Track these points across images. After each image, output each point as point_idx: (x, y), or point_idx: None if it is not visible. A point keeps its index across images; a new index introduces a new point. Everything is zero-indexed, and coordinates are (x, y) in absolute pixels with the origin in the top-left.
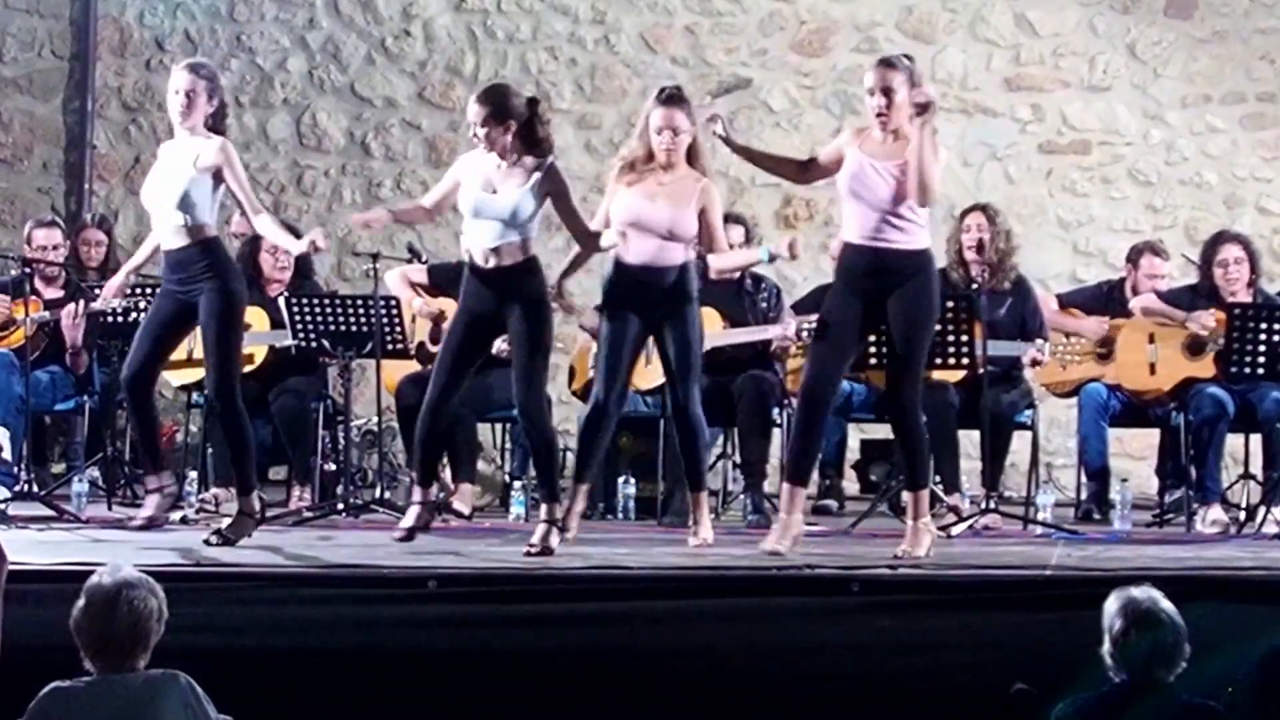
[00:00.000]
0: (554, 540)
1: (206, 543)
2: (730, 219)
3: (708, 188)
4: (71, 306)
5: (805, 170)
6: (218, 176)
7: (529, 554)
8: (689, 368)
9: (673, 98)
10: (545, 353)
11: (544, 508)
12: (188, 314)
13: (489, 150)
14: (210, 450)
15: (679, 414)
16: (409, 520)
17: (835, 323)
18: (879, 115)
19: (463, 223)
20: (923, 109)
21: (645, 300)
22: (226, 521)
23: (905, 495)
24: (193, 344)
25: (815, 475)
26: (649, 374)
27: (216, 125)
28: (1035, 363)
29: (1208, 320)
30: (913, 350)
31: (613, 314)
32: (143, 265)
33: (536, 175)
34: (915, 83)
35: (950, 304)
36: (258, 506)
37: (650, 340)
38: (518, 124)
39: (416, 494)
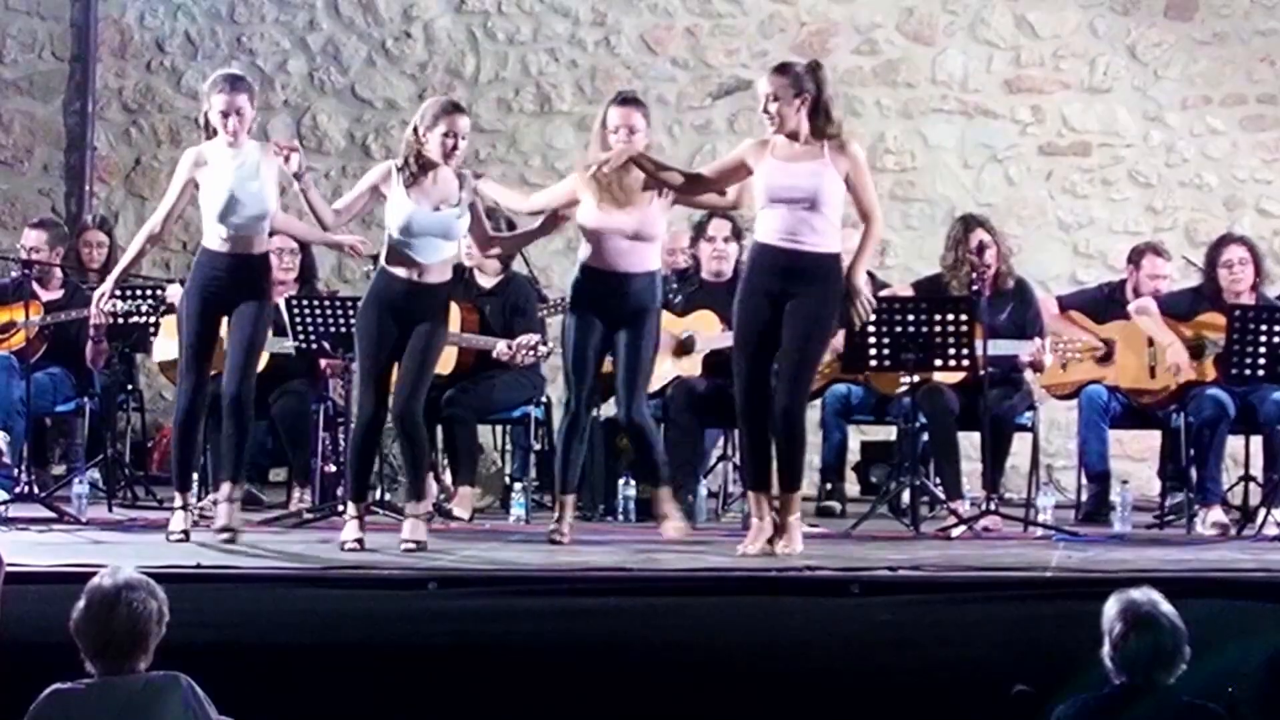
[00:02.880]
0: (423, 533)
1: (222, 538)
2: (716, 213)
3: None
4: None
5: (702, 181)
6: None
7: (406, 550)
8: (638, 376)
9: (629, 99)
10: (433, 367)
11: (411, 505)
12: (220, 316)
13: (451, 163)
14: (209, 453)
15: (628, 421)
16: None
17: (754, 330)
18: (767, 119)
19: (388, 236)
20: None
21: (610, 305)
22: (221, 518)
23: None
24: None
25: (816, 477)
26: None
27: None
28: (1035, 367)
29: (1184, 362)
30: (810, 353)
31: (579, 318)
32: (131, 268)
33: (465, 188)
34: (804, 87)
35: (950, 306)
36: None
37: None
38: None
39: (352, 509)
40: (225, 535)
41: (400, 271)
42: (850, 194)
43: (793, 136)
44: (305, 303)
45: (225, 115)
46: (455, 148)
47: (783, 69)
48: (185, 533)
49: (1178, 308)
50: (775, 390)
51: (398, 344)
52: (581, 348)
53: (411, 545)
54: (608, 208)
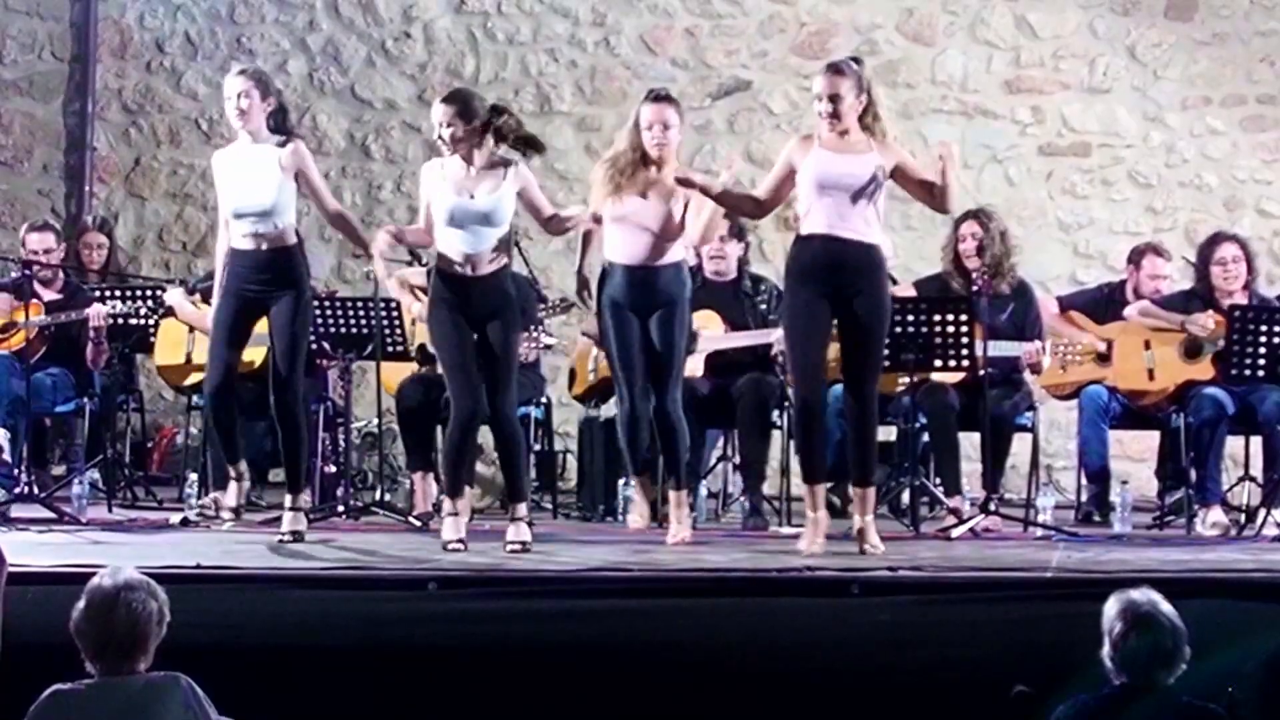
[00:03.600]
0: (527, 535)
1: (282, 542)
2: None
3: None
4: (98, 307)
5: (761, 205)
6: (298, 178)
7: (511, 552)
8: (672, 369)
9: (663, 96)
10: (517, 359)
11: (513, 506)
12: (255, 315)
13: (453, 152)
14: (209, 454)
15: (659, 414)
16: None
17: (810, 323)
18: (829, 119)
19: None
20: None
21: (640, 298)
22: (286, 523)
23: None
24: (191, 347)
25: None
26: None
27: (281, 125)
28: (1034, 368)
29: (1206, 321)
30: (879, 346)
31: (614, 315)
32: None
33: (510, 174)
34: (863, 87)
35: (950, 306)
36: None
37: None
38: (482, 125)
39: (449, 505)
40: (289, 538)
41: (454, 269)
42: (911, 177)
43: (841, 133)
44: None
45: (230, 100)
46: (443, 137)
47: (842, 69)
48: (235, 510)
49: (1172, 309)
50: (848, 385)
51: (473, 339)
52: (626, 345)
53: (516, 547)
54: (632, 200)
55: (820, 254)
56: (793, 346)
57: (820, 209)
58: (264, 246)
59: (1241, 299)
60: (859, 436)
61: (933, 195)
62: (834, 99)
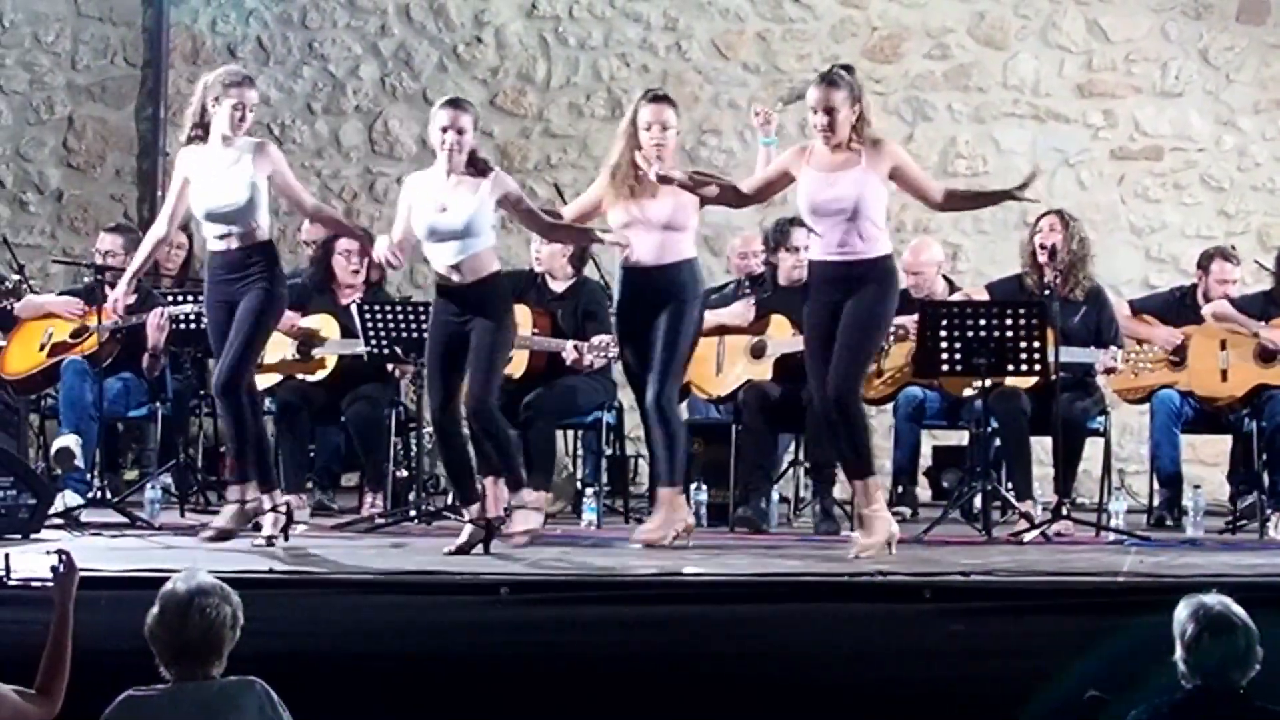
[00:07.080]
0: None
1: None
2: (797, 223)
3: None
4: (158, 310)
5: (744, 198)
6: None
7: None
8: (668, 362)
9: (660, 96)
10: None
11: (517, 495)
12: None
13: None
14: (282, 459)
15: (652, 406)
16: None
17: (822, 342)
18: (823, 132)
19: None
20: None
21: (650, 298)
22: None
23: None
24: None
25: (887, 482)
26: (721, 381)
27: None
28: (1109, 371)
29: (1277, 336)
30: (862, 345)
31: (623, 318)
32: (143, 270)
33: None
34: (857, 97)
35: (1022, 310)
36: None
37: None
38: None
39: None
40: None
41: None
42: (904, 186)
43: (835, 146)
44: (377, 307)
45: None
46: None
47: (836, 80)
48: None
49: (1249, 310)
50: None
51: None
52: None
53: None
54: (637, 201)
55: (827, 276)
56: (808, 361)
57: (817, 232)
58: (228, 247)
59: None
60: (841, 436)
61: (928, 199)
62: (829, 111)
